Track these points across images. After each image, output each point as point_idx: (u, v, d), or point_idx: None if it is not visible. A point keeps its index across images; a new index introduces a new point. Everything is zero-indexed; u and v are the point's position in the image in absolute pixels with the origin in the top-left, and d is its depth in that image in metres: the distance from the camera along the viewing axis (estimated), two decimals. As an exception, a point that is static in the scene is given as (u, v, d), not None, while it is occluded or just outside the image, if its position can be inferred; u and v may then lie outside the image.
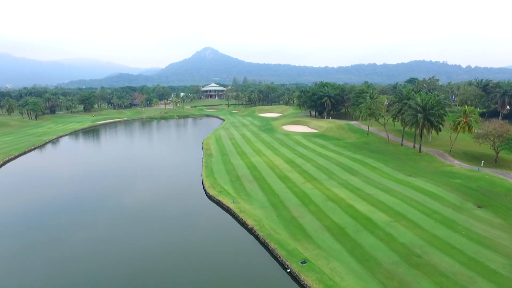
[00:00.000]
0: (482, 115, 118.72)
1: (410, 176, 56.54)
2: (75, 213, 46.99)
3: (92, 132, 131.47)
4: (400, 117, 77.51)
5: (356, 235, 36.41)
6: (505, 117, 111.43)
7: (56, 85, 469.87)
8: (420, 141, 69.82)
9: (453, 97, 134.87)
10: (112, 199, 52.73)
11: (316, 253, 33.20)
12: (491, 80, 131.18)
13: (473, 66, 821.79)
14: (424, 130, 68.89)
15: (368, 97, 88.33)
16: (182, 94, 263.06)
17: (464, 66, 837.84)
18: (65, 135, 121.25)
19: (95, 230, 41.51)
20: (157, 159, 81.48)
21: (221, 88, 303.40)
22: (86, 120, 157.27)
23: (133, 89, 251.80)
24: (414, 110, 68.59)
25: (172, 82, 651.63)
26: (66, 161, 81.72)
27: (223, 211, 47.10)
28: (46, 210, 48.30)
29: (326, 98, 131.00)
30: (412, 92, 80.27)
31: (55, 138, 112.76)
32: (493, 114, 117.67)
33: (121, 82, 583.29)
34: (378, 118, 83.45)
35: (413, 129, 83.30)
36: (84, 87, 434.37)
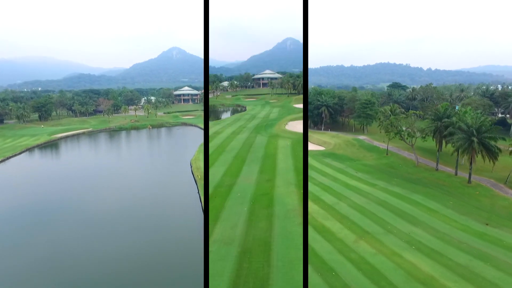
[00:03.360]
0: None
1: (487, 225, 43.71)
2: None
3: (50, 149, 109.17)
4: (438, 139, 65.44)
5: None
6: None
7: (7, 87, 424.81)
8: (470, 169, 57.75)
9: (457, 108, 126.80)
10: None
11: None
12: (497, 89, 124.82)
13: (433, 68, 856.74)
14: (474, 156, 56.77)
15: (389, 112, 75.98)
16: (153, 98, 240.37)
17: (425, 68, 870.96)
18: (15, 155, 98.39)
19: None
20: (141, 203, 63.30)
21: (195, 91, 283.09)
22: (43, 133, 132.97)
23: (97, 93, 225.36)
24: (466, 133, 56.37)
25: (138, 84, 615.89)
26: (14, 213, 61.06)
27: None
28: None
29: (324, 108, 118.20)
30: (455, 110, 68.39)
31: (1, 161, 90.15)
32: (501, 124, 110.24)
33: (82, 84, 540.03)
34: (406, 138, 70.93)
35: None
36: (40, 88, 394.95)
